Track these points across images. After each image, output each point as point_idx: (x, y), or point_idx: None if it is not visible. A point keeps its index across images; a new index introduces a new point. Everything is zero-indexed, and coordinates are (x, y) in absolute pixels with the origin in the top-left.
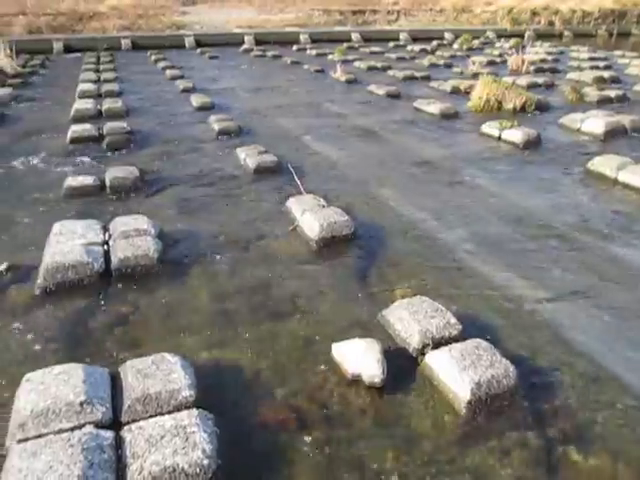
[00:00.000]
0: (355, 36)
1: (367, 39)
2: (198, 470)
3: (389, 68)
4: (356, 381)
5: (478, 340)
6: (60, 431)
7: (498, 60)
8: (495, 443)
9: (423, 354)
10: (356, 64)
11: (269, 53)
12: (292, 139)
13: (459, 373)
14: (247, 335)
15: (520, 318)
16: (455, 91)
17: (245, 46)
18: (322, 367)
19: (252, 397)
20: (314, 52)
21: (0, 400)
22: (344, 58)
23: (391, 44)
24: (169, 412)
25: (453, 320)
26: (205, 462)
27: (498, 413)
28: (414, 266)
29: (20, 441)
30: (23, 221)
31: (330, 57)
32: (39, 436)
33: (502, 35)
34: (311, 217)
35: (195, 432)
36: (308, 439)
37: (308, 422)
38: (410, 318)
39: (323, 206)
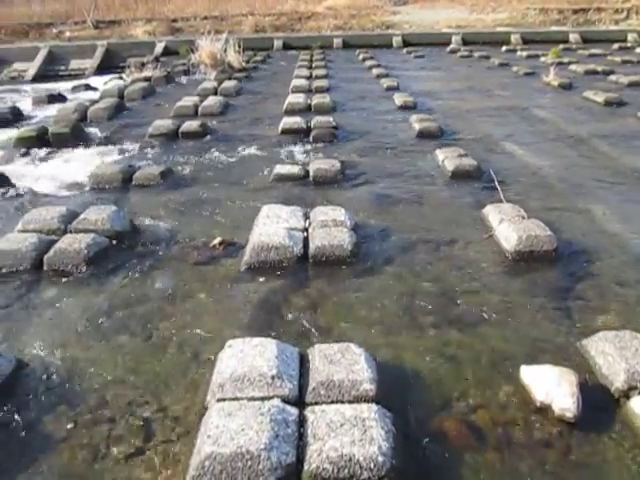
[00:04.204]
0: (573, 37)
1: (587, 40)
2: (372, 465)
3: (611, 72)
4: (544, 410)
5: None
6: (252, 398)
7: None
8: None
9: (627, 397)
10: (572, 67)
11: (476, 54)
12: (494, 144)
13: None
14: (430, 339)
15: None
16: None
17: (452, 46)
18: (507, 387)
19: (429, 404)
20: (525, 53)
21: (205, 359)
22: (558, 60)
23: (615, 46)
24: (349, 402)
25: None
26: (380, 459)
27: None
28: (623, 295)
29: (219, 400)
30: (236, 202)
31: (542, 59)
32: (235, 399)
33: None
34: (509, 227)
35: (373, 427)
36: (485, 459)
37: (486, 441)
38: (616, 354)
39: (523, 217)
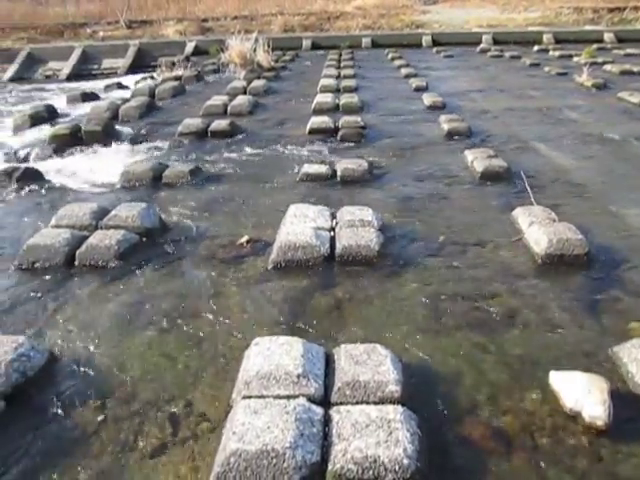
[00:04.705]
0: (608, 36)
1: (623, 40)
2: (397, 467)
3: None
4: (573, 418)
5: None
6: (278, 397)
7: None
8: None
9: None
10: (606, 67)
11: (507, 54)
12: (524, 145)
13: None
14: (457, 342)
15: None
16: None
17: (482, 46)
18: (535, 394)
19: (455, 407)
20: (557, 53)
21: (231, 356)
22: (592, 60)
23: None
24: (374, 403)
25: None
26: (405, 461)
27: None
28: None
29: (245, 397)
30: (264, 201)
31: (576, 59)
32: (260, 396)
33: None
34: (539, 230)
35: (399, 429)
36: (511, 465)
37: (512, 447)
38: None
39: (554, 220)
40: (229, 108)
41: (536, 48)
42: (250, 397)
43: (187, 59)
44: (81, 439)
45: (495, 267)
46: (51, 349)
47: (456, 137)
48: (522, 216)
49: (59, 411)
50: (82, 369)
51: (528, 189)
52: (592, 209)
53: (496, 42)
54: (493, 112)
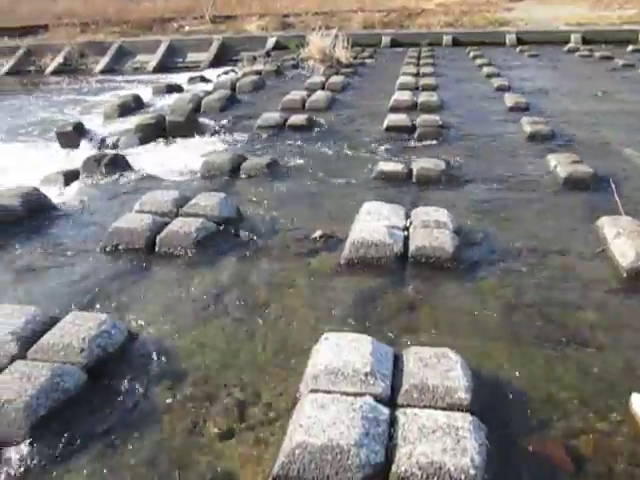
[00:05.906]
0: None
1: None
2: (463, 477)
3: None
4: None
5: None
6: (345, 393)
7: None
8: None
9: None
10: None
11: (597, 54)
12: (612, 151)
13: None
14: (530, 354)
15: None
16: None
17: (570, 45)
18: (614, 415)
19: (526, 421)
20: None
21: (299, 348)
22: None
23: None
24: (442, 408)
25: None
26: (472, 472)
27: None
28: None
29: (312, 391)
30: (338, 196)
31: None
32: (328, 391)
33: None
34: (627, 242)
35: (467, 437)
36: None
37: (586, 470)
38: None
39: None
40: (307, 103)
41: (630, 48)
42: (317, 391)
43: (267, 54)
44: (154, 417)
45: (575, 278)
46: (130, 328)
47: (538, 140)
48: (608, 226)
49: (135, 388)
50: (157, 350)
51: (616, 198)
52: None
53: (585, 41)
54: (579, 115)
